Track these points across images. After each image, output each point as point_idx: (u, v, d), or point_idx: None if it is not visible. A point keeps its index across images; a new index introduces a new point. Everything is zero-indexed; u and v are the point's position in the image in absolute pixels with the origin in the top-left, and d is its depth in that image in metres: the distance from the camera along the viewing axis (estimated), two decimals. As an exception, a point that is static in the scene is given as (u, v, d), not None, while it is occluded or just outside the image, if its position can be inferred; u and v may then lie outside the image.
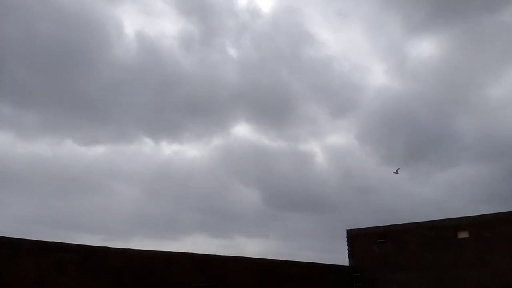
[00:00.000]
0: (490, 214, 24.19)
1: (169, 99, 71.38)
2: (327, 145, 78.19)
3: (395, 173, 35.91)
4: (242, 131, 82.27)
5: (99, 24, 64.27)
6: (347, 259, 30.00)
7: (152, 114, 70.85)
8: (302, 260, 25.28)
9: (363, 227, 30.22)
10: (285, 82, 74.36)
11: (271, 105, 74.33)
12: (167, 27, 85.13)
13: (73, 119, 66.64)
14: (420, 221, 27.24)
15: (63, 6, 59.99)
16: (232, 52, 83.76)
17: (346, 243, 30.45)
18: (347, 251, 30.21)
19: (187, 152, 79.53)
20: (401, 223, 28.21)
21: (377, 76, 78.71)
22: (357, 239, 29.95)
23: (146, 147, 75.19)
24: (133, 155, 73.95)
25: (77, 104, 64.94)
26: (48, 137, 69.79)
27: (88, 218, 61.89)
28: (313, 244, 64.76)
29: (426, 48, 75.89)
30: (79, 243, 14.45)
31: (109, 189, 69.65)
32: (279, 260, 23.40)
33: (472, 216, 24.90)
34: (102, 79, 64.93)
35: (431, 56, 73.59)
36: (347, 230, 30.89)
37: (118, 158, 72.80)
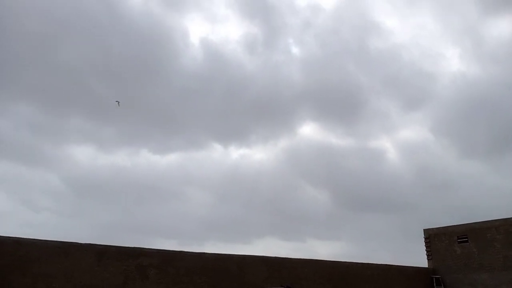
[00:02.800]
0: None
1: (235, 103, 72.87)
2: (400, 140, 74.64)
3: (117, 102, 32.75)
4: (309, 130, 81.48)
5: (167, 35, 67.46)
6: (426, 261, 28.59)
7: (220, 119, 72.73)
8: (377, 262, 24.50)
9: (442, 226, 28.65)
10: (352, 76, 72.44)
11: (338, 102, 72.53)
12: (230, 31, 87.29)
13: (147, 129, 70.53)
14: (506, 217, 25.31)
15: (133, 21, 63.65)
16: (295, 50, 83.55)
17: (423, 244, 29.04)
18: (425, 252, 28.80)
19: (254, 155, 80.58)
20: (484, 220, 26.39)
21: (452, 62, 73.40)
22: (435, 239, 28.46)
23: (215, 153, 77.31)
24: (203, 161, 76.42)
25: (150, 115, 68.64)
26: (125, 148, 74.52)
27: (163, 223, 64.88)
28: (388, 246, 62.36)
29: (506, 27, 69.71)
30: (158, 248, 15.20)
31: (183, 194, 72.50)
32: (352, 262, 22.88)
33: None
34: (172, 89, 68.02)
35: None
36: (424, 229, 29.44)
37: (190, 165, 75.65)
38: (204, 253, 16.58)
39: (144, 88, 65.44)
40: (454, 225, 27.95)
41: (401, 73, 71.66)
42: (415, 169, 68.77)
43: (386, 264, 24.61)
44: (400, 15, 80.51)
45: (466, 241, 26.75)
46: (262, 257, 18.52)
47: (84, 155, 67.83)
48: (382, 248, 62.12)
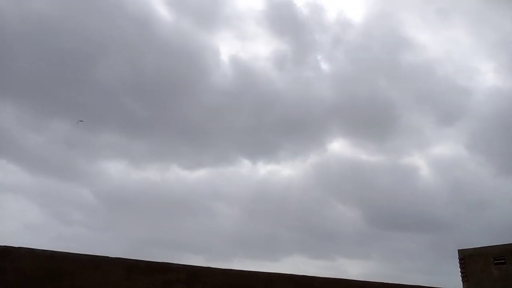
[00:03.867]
0: None
1: (265, 119, 73.50)
2: (433, 157, 73.14)
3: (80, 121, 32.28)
4: (339, 147, 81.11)
5: (198, 54, 69.50)
6: (460, 282, 27.51)
7: (249, 135, 73.58)
8: (409, 284, 23.69)
9: (478, 246, 27.59)
10: (383, 92, 71.96)
11: (369, 118, 72.16)
12: (260, 49, 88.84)
13: (177, 145, 72.15)
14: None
15: (166, 40, 65.90)
16: (325, 66, 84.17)
17: (458, 265, 27.99)
18: (460, 274, 27.74)
19: (282, 171, 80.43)
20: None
21: (487, 76, 72.09)
22: (471, 260, 27.40)
23: (244, 168, 77.97)
24: (232, 177, 77.19)
25: (180, 131, 70.22)
26: (156, 163, 76.31)
27: (191, 238, 65.64)
28: (420, 266, 60.63)
29: None
30: (185, 263, 15.29)
31: (210, 210, 73.18)
32: (383, 283, 22.22)
33: None
34: (202, 106, 69.54)
35: None
36: (458, 250, 28.45)
37: (218, 180, 76.51)
38: (230, 269, 16.53)
39: (175, 105, 67.02)
40: (491, 246, 26.88)
41: (434, 88, 70.65)
42: (449, 186, 66.97)
43: (419, 286, 23.78)
44: (432, 30, 79.95)
45: (504, 263, 25.65)
46: (289, 275, 18.27)
47: (116, 170, 69.71)
48: (415, 268, 60.41)
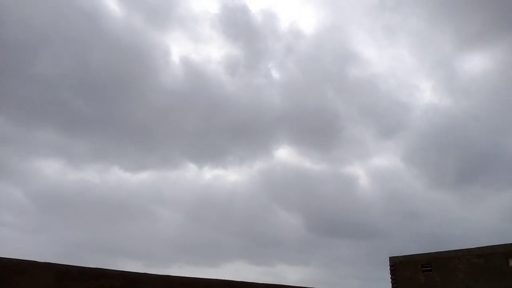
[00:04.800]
0: (545, 240, 22.79)
1: (214, 123, 72.81)
2: (372, 168, 76.29)
3: None
4: (285, 154, 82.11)
5: (148, 52, 67.50)
6: (391, 288, 28.83)
7: (197, 138, 72.43)
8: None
9: (408, 254, 29.07)
10: (330, 103, 74.05)
11: (316, 127, 73.83)
12: (213, 52, 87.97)
13: (120, 146, 69.43)
14: (469, 247, 25.93)
15: (115, 36, 63.45)
16: (276, 75, 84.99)
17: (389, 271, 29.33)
18: (390, 280, 29.06)
19: (228, 176, 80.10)
20: (448, 250, 26.95)
21: (425, 94, 76.24)
22: (400, 267, 28.80)
23: (189, 172, 76.58)
24: (176, 180, 75.57)
25: (125, 131, 67.68)
26: (96, 164, 72.93)
27: (131, 243, 63.33)
28: (356, 272, 62.87)
29: (478, 62, 73.34)
30: (122, 269, 14.68)
31: (152, 214, 71.14)
32: (319, 288, 22.76)
33: (525, 242, 23.54)
34: (150, 106, 67.58)
35: (483, 71, 70.96)
36: (389, 257, 29.82)
37: (162, 184, 74.60)
38: (169, 275, 16.13)
39: (120, 104, 64.66)
40: (419, 254, 28.44)
41: (377, 102, 74.16)
42: (386, 196, 70.35)
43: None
44: (378, 46, 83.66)
45: (430, 270, 27.20)
46: (227, 281, 18.16)
47: (52, 170, 65.92)
48: (350, 275, 62.57)
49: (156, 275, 15.76)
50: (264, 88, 78.30)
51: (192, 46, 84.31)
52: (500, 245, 24.49)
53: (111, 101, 66.42)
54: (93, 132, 66.12)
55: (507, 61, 68.62)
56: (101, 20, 64.61)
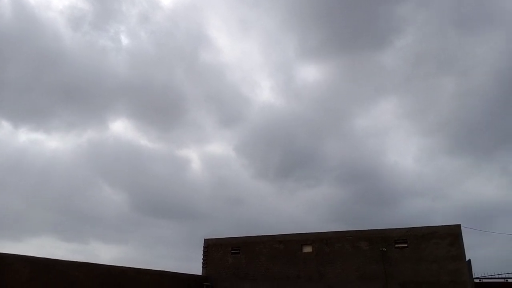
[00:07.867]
0: (331, 232, 27.02)
1: (42, 78, 63.97)
2: (206, 153, 78.05)
3: None
4: (121, 127, 77.67)
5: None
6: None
7: (17, 93, 62.71)
8: (159, 269, 24.95)
9: (222, 237, 31.06)
10: (178, 83, 72.66)
11: (159, 105, 71.15)
12: (53, -1, 77.78)
13: None
14: (273, 234, 29.06)
15: None
16: (126, 41, 79.52)
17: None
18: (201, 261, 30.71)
19: (49, 142, 72.28)
20: (255, 235, 29.73)
21: (264, 92, 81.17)
22: (213, 248, 30.65)
23: (1, 131, 66.19)
24: (-17, 139, 64.67)
25: None
26: None
27: None
28: (174, 253, 64.02)
29: (313, 72, 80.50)
30: None
31: None
32: (130, 267, 22.73)
33: (316, 232, 27.48)
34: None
35: (315, 81, 78.25)
36: (204, 239, 31.45)
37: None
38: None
39: None
40: (231, 237, 30.68)
41: (223, 91, 76.06)
42: (214, 182, 73.15)
43: (163, 271, 25.26)
44: (232, 37, 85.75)
45: (238, 253, 29.64)
46: (27, 256, 16.75)
47: None
48: (169, 255, 63.43)
49: None
50: (110, 52, 72.75)
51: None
52: (297, 233, 28.15)
53: None
54: None
55: (336, 75, 78.03)
56: None
